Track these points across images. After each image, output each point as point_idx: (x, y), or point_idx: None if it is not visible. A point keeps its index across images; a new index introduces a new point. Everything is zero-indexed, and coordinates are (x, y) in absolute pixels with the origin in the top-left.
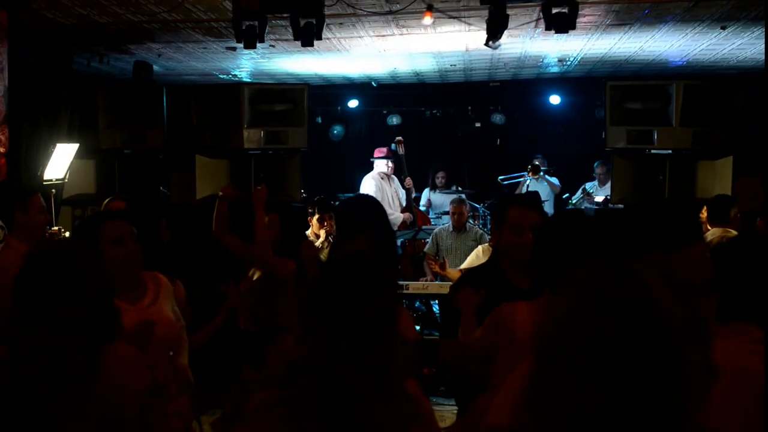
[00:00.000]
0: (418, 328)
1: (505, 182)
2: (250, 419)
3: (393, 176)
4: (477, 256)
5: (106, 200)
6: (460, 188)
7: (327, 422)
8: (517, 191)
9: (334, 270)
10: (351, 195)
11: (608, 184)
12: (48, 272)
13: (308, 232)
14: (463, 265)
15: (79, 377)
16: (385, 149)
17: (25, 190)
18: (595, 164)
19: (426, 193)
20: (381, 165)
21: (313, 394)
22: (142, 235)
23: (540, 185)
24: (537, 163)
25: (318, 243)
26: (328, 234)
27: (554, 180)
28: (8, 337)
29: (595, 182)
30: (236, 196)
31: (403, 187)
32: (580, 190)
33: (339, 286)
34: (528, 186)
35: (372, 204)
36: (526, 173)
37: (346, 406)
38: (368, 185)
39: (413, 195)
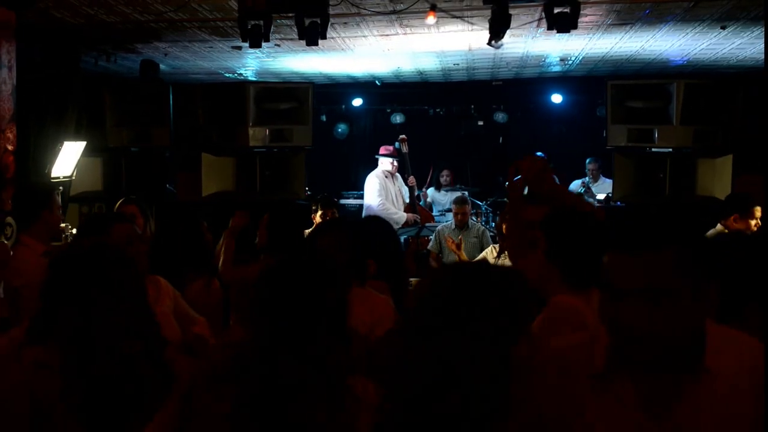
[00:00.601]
0: None
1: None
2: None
3: (397, 174)
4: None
5: (118, 202)
6: (462, 186)
7: (267, 422)
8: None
9: (283, 268)
10: (359, 194)
11: (600, 181)
12: (102, 269)
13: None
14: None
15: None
16: (390, 147)
17: (44, 188)
18: (588, 160)
19: (430, 192)
20: (386, 163)
21: (253, 391)
22: (187, 236)
23: None
24: None
25: None
26: None
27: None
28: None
29: (588, 178)
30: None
31: (406, 184)
32: (579, 183)
33: (285, 283)
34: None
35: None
36: None
37: (285, 405)
38: (372, 183)
39: (416, 193)
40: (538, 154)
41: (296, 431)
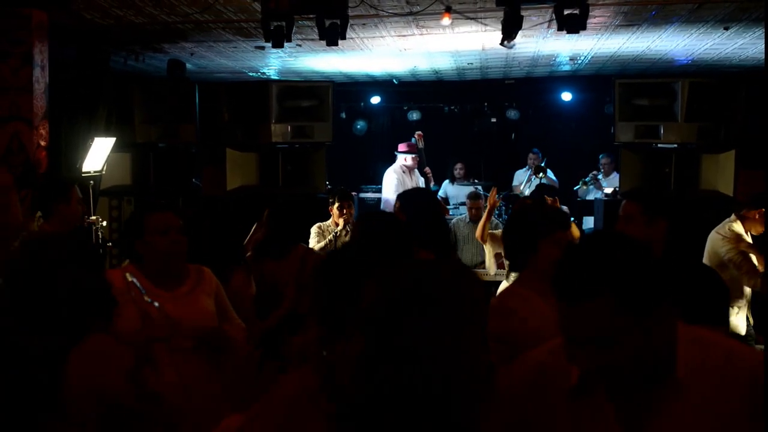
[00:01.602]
0: None
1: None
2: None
3: (415, 170)
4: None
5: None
6: (476, 180)
7: None
8: (520, 190)
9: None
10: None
11: (612, 175)
12: (16, 265)
13: (329, 222)
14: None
15: (46, 374)
16: (409, 144)
17: (65, 181)
18: (600, 156)
19: (445, 185)
20: (402, 159)
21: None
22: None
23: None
24: (542, 165)
25: (337, 230)
26: (346, 222)
27: (552, 176)
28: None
29: (600, 172)
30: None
31: (423, 174)
32: (590, 176)
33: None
34: (531, 184)
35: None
36: (530, 172)
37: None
38: (390, 178)
39: (431, 184)
40: (534, 150)
41: None
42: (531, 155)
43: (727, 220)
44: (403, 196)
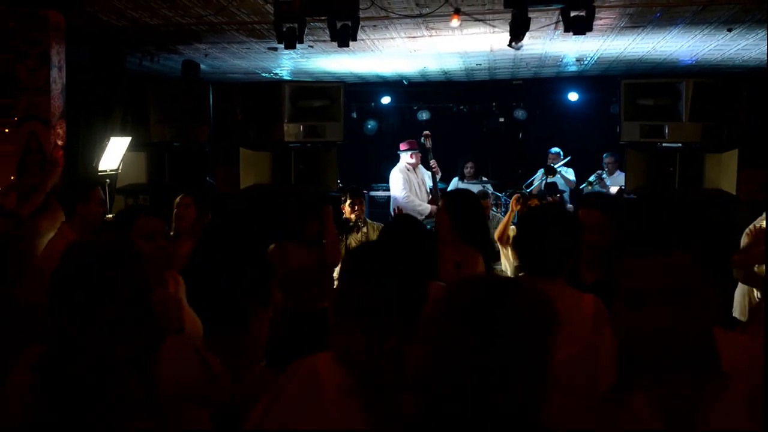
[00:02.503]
0: None
1: (527, 189)
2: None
3: (420, 167)
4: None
5: (178, 198)
6: (485, 178)
7: None
8: (533, 188)
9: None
10: (387, 187)
11: (616, 173)
12: (90, 270)
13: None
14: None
15: (133, 374)
16: (410, 142)
17: (87, 182)
18: (605, 155)
19: (454, 183)
20: (406, 157)
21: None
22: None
23: (555, 179)
24: (553, 164)
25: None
26: (357, 218)
27: (570, 176)
28: (46, 333)
29: (604, 171)
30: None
31: (429, 169)
32: (594, 175)
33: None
34: (544, 181)
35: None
36: (542, 172)
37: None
38: (396, 178)
39: (439, 176)
40: (553, 150)
41: None
42: (550, 155)
43: (760, 218)
44: (449, 196)
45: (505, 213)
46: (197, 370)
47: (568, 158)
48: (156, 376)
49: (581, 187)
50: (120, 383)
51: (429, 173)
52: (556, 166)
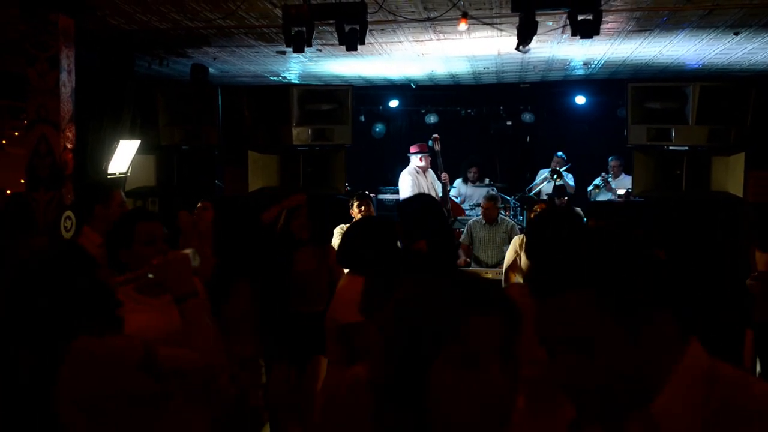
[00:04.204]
0: None
1: (531, 193)
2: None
3: (429, 170)
4: (515, 250)
5: (199, 204)
6: (491, 181)
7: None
8: (535, 191)
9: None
10: (395, 189)
11: (621, 176)
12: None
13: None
14: (506, 263)
15: (39, 374)
16: (420, 145)
17: (106, 185)
18: (610, 158)
19: (457, 185)
20: (416, 160)
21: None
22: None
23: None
24: (558, 167)
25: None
26: None
27: (570, 181)
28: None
29: (609, 174)
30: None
31: (440, 180)
32: (600, 178)
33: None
34: (545, 183)
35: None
36: (548, 174)
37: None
38: (405, 180)
39: (449, 189)
40: (559, 154)
41: None
42: (555, 158)
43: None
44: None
45: (513, 216)
46: (118, 367)
47: (569, 164)
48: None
49: (588, 189)
50: (22, 392)
51: (440, 184)
52: (561, 170)
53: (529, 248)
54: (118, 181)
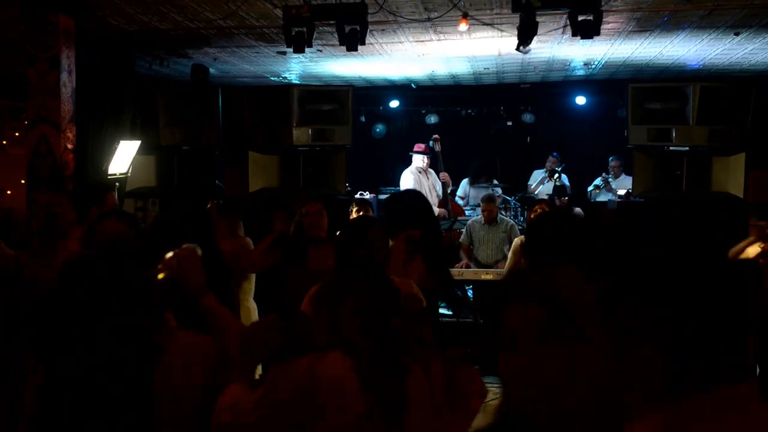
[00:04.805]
0: (450, 312)
1: (534, 193)
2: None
3: (430, 170)
4: (515, 252)
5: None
6: (496, 182)
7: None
8: (534, 190)
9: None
10: (396, 190)
11: (621, 177)
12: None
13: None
14: (507, 264)
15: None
16: (422, 145)
17: (101, 187)
18: (610, 158)
19: (464, 185)
20: (418, 160)
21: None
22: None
23: (551, 185)
24: (557, 168)
25: None
26: None
27: (565, 182)
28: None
29: (609, 174)
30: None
31: (440, 180)
32: (600, 178)
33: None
34: (544, 184)
35: (418, 200)
36: (545, 174)
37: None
38: (407, 179)
39: (449, 188)
40: (554, 155)
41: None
42: (550, 158)
43: None
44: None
45: (514, 216)
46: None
47: (563, 165)
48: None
49: (588, 190)
50: (120, 379)
51: (440, 183)
52: (557, 170)
53: (528, 248)
54: (112, 182)
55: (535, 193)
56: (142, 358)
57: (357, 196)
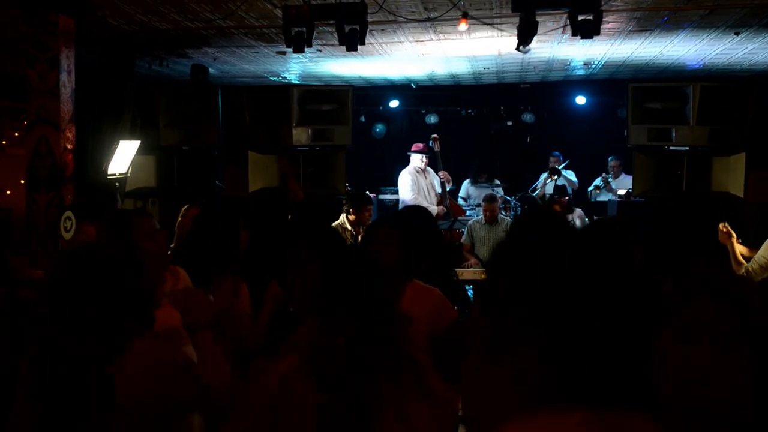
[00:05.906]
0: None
1: (534, 193)
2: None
3: (429, 169)
4: None
5: (184, 207)
6: (498, 182)
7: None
8: (538, 191)
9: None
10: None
11: (621, 176)
12: (74, 275)
13: (341, 221)
14: None
15: (99, 372)
16: (421, 145)
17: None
18: (610, 158)
19: (466, 185)
20: (416, 159)
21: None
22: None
23: (559, 181)
24: (556, 166)
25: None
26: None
27: (572, 177)
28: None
29: (609, 174)
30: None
31: (440, 178)
32: (600, 178)
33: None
34: (547, 184)
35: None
36: (546, 175)
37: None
38: (405, 179)
39: (448, 188)
40: (555, 153)
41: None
42: (551, 158)
43: None
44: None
45: (514, 217)
46: (172, 371)
47: (567, 161)
48: (118, 377)
49: (588, 190)
50: (80, 382)
51: (437, 179)
52: (559, 168)
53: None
54: (112, 183)
55: (535, 193)
56: (104, 357)
57: (349, 189)
